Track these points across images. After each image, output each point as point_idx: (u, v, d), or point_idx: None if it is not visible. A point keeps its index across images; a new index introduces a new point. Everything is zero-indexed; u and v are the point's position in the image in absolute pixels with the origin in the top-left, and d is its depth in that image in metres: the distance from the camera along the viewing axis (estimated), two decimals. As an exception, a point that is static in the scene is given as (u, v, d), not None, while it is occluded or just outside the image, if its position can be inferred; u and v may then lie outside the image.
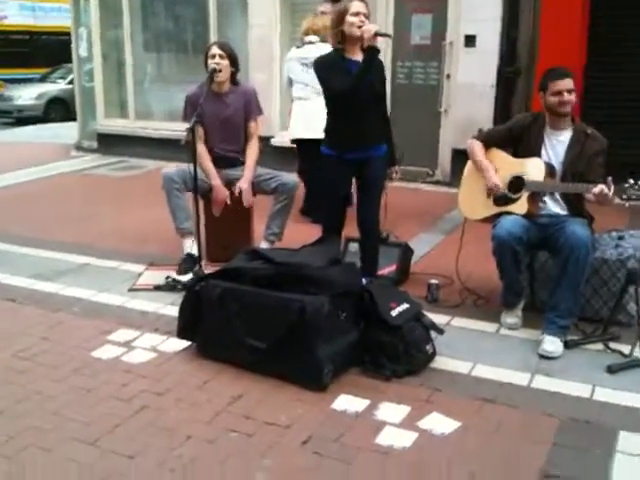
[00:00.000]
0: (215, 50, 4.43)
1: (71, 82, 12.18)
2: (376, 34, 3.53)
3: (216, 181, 4.45)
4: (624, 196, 3.17)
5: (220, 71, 4.40)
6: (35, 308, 3.89)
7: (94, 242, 5.17)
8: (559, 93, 3.42)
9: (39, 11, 19.00)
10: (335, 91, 3.65)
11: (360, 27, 3.56)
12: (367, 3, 3.68)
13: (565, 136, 3.52)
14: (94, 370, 3.14)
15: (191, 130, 4.03)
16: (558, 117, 3.50)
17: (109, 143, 9.17)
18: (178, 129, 7.97)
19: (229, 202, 4.44)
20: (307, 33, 5.53)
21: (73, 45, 10.03)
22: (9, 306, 3.94)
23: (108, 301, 4.00)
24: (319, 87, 3.89)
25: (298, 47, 5.63)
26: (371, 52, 3.56)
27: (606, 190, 3.17)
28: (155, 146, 8.65)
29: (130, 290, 4.16)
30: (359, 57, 3.66)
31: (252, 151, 4.61)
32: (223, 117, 4.52)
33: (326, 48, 4.39)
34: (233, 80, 4.57)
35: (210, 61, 4.41)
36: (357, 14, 3.58)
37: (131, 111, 9.27)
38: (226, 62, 4.44)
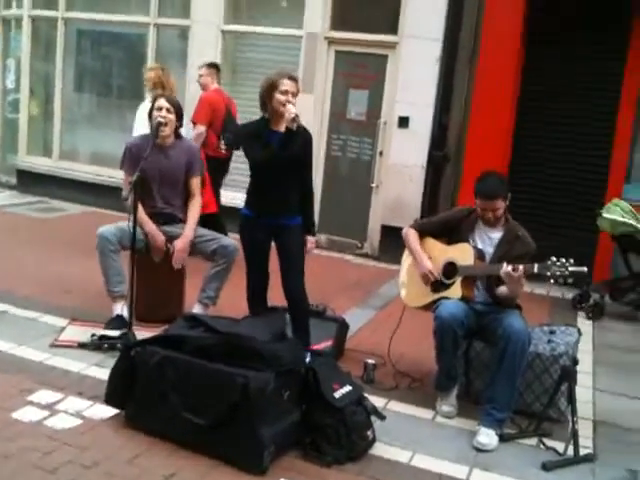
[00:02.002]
0: (162, 103, 4.37)
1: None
2: (293, 120, 3.61)
3: (150, 226, 4.33)
4: (548, 273, 3.27)
5: (166, 125, 4.33)
6: (-55, 359, 3.60)
7: (12, 288, 4.86)
8: (484, 210, 3.57)
9: None
10: (254, 159, 3.76)
11: (284, 105, 3.65)
12: (297, 81, 3.78)
13: (496, 234, 3.65)
14: (14, 433, 2.91)
15: (135, 184, 3.92)
16: (483, 218, 3.64)
17: (29, 181, 8.79)
18: (104, 174, 7.85)
19: (169, 246, 4.33)
20: (165, 88, 5.81)
21: (-1, 75, 9.67)
22: None
23: (28, 356, 3.75)
24: None
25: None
26: (293, 132, 3.64)
27: (518, 271, 3.28)
28: (78, 189, 8.36)
29: (52, 346, 3.91)
30: (282, 129, 3.73)
31: (194, 209, 4.52)
32: (164, 171, 4.43)
33: None
34: (176, 134, 4.51)
35: (156, 113, 4.34)
36: (285, 92, 3.67)
37: (55, 150, 8.95)
38: (172, 116, 4.39)
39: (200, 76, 6.47)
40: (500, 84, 6.79)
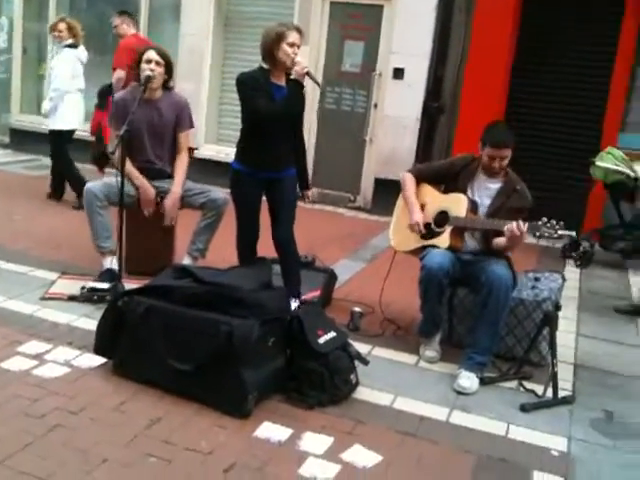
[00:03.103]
0: (152, 55, 4.28)
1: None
2: (307, 74, 3.62)
3: (141, 180, 4.33)
4: (537, 233, 3.30)
5: (154, 78, 4.28)
6: (-63, 311, 3.65)
7: (4, 243, 4.91)
8: (491, 158, 3.55)
9: None
10: (259, 112, 3.64)
11: (292, 58, 3.61)
12: (303, 33, 3.73)
13: (495, 185, 3.65)
14: (3, 382, 2.96)
15: (121, 139, 3.91)
16: (489, 170, 3.63)
17: (22, 139, 8.77)
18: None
19: (158, 200, 4.34)
20: (76, 35, 6.32)
21: (-9, 34, 9.56)
22: None
23: (18, 309, 3.80)
24: None
25: (74, 47, 6.31)
26: (297, 85, 3.65)
27: (522, 226, 3.29)
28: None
29: (42, 299, 3.96)
30: (283, 82, 3.73)
31: (182, 165, 4.51)
32: (153, 125, 4.39)
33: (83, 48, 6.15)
34: (165, 87, 4.46)
35: (145, 66, 4.25)
36: (292, 45, 3.62)
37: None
38: (161, 69, 4.33)
39: (115, 27, 6.65)
40: (497, 35, 6.71)
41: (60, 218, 5.65)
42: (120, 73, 6.36)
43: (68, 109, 6.28)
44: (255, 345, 2.90)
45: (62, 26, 6.29)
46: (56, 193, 6.57)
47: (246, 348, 2.87)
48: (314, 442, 2.74)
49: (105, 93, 6.66)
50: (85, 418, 2.76)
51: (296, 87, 3.68)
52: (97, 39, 8.91)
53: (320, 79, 7.42)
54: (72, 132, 6.43)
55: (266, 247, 4.03)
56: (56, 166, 6.55)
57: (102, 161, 6.63)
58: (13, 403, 2.81)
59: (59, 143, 6.36)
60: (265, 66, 3.74)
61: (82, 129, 6.77)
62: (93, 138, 6.74)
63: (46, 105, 6.34)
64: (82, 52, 6.45)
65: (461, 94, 6.98)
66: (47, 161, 7.71)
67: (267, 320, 2.98)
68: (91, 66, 8.65)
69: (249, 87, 3.69)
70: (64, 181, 6.54)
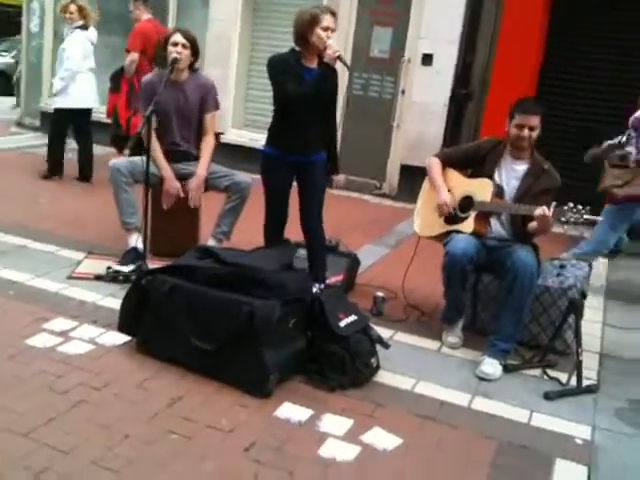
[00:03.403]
0: (178, 38, 4.29)
1: (15, 56, 11.73)
2: (338, 57, 3.59)
3: (167, 172, 4.35)
4: (562, 218, 3.25)
5: (181, 60, 4.29)
6: (-34, 288, 3.72)
7: (31, 224, 4.97)
8: (520, 127, 3.50)
9: None
10: (288, 96, 3.63)
11: (326, 42, 3.58)
12: (337, 17, 3.67)
13: (522, 167, 3.60)
14: (29, 358, 3.01)
15: (147, 119, 3.93)
16: (517, 148, 3.58)
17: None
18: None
19: (181, 195, 4.36)
20: (86, 17, 6.47)
21: (24, 19, 9.65)
22: (-62, 284, 3.75)
23: (45, 287, 3.85)
24: None
25: (84, 28, 6.45)
26: (328, 68, 3.64)
27: (547, 212, 3.25)
28: (99, 129, 8.35)
29: (69, 278, 4.01)
30: (314, 65, 3.71)
31: (207, 147, 4.51)
32: (179, 107, 4.41)
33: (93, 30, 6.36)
34: (191, 68, 4.46)
35: (172, 48, 4.26)
36: (326, 29, 3.57)
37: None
38: (188, 52, 4.34)
39: (130, 12, 6.77)
40: (528, 20, 6.60)
41: (86, 200, 5.72)
42: (133, 56, 6.48)
43: (80, 88, 6.42)
44: (276, 326, 2.91)
45: (73, 8, 6.40)
46: (82, 174, 6.69)
47: (267, 328, 2.88)
48: (334, 423, 2.74)
49: (118, 76, 6.77)
50: (108, 394, 2.80)
51: (327, 70, 3.65)
52: (121, 23, 8.96)
53: (348, 64, 7.38)
54: (89, 110, 6.63)
55: (294, 231, 4.02)
56: (83, 147, 6.68)
57: (120, 143, 6.67)
58: (38, 378, 2.85)
59: (64, 121, 6.51)
60: (297, 48, 3.70)
61: (98, 110, 6.98)
62: (109, 120, 6.83)
63: (57, 84, 6.42)
64: (92, 33, 6.56)
65: (490, 81, 6.89)
66: (75, 144, 7.82)
67: (288, 301, 2.99)
68: (114, 49, 8.79)
69: (279, 70, 3.66)
70: (91, 162, 6.66)
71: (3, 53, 15.56)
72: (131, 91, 6.60)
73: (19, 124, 9.48)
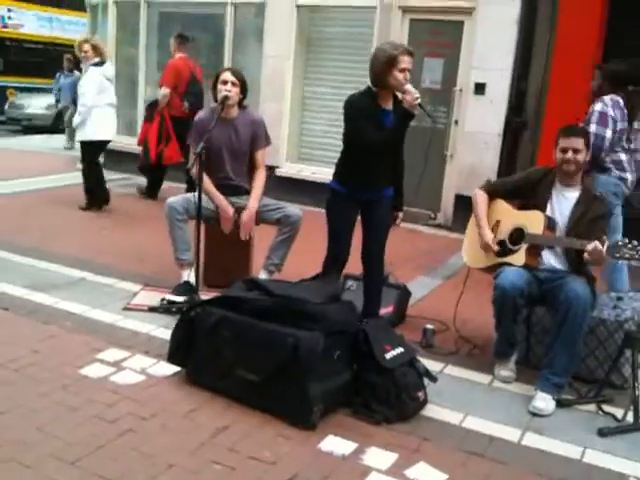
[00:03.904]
0: (228, 76, 4.43)
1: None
2: (419, 105, 3.49)
3: (220, 201, 4.45)
4: (617, 254, 3.16)
5: (231, 98, 4.41)
6: (27, 319, 3.87)
7: (92, 257, 5.15)
8: (564, 150, 3.45)
9: (55, 22, 19.14)
10: (367, 143, 3.56)
11: (403, 84, 3.48)
12: (414, 56, 3.56)
13: (573, 194, 3.53)
14: (81, 388, 3.10)
15: (198, 156, 4.05)
16: (565, 174, 3.52)
17: (116, 159, 9.19)
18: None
19: (236, 217, 4.45)
20: (102, 54, 6.79)
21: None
22: (1, 315, 3.91)
23: (101, 318, 3.97)
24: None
25: (99, 65, 6.73)
26: (407, 115, 3.51)
27: (599, 247, 3.17)
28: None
29: (124, 309, 4.13)
30: (390, 105, 3.63)
31: (259, 181, 4.61)
32: (230, 143, 4.53)
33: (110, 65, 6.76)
34: (240, 105, 4.58)
35: (221, 87, 4.41)
36: (404, 70, 3.48)
37: (139, 129, 9.30)
38: (237, 89, 4.46)
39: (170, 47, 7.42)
40: (582, 47, 6.49)
41: (145, 233, 5.88)
42: (165, 91, 7.03)
43: (97, 122, 6.67)
44: (321, 357, 2.91)
45: (87, 47, 6.72)
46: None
47: (312, 360, 2.88)
48: (378, 457, 2.71)
49: (152, 107, 7.30)
50: (155, 424, 2.84)
51: (405, 117, 3.52)
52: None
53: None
54: (105, 142, 6.94)
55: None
56: (89, 178, 6.97)
57: (146, 171, 7.46)
58: (89, 407, 2.93)
59: (89, 153, 6.83)
60: (373, 89, 3.61)
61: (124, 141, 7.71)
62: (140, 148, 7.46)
63: (76, 119, 6.79)
64: (108, 69, 6.82)
65: (545, 109, 6.80)
66: (137, 180, 8.12)
67: (333, 332, 2.98)
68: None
69: (357, 114, 3.59)
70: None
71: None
72: (162, 123, 7.15)
73: (85, 160, 9.85)
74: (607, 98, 4.45)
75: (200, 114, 4.65)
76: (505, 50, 6.84)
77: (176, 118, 7.15)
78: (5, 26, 17.51)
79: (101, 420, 2.83)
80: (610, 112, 4.37)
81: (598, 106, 4.42)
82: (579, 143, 3.45)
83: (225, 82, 4.42)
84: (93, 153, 6.88)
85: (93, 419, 2.84)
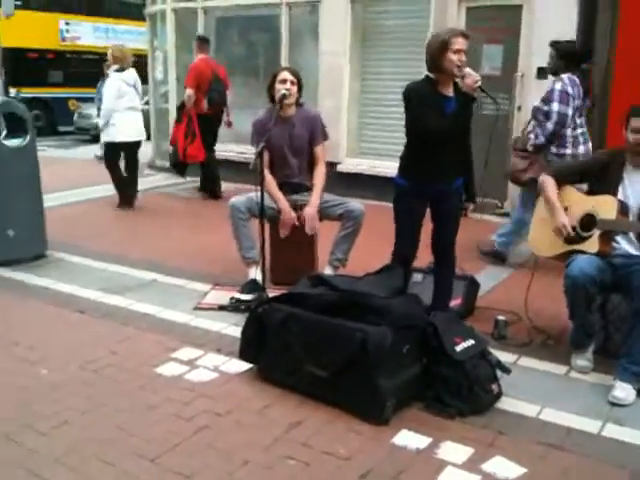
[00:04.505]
0: (287, 75, 4.49)
1: (147, 103, 12.54)
2: (480, 88, 3.40)
3: (283, 204, 4.49)
4: None
5: (290, 96, 4.45)
6: (103, 321, 4.00)
7: (163, 259, 5.28)
8: (637, 131, 3.32)
9: (111, 33, 19.68)
10: (429, 131, 3.47)
11: (459, 67, 3.38)
12: (469, 38, 3.44)
13: None
14: (157, 386, 3.19)
15: (259, 155, 4.09)
16: (638, 155, 3.39)
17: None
18: (245, 152, 8.23)
19: (297, 224, 4.47)
20: (124, 61, 7.10)
21: (149, 67, 10.36)
22: (78, 318, 4.06)
23: (174, 318, 4.06)
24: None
25: (119, 71, 7.07)
26: (467, 97, 3.45)
27: None
28: (225, 168, 8.81)
29: (195, 309, 4.21)
30: (450, 92, 3.51)
31: (319, 176, 4.62)
32: (290, 141, 4.57)
33: (134, 71, 7.06)
34: (297, 103, 4.62)
35: (280, 86, 4.45)
36: (458, 52, 3.37)
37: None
38: (295, 88, 4.51)
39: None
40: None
41: (212, 234, 5.98)
42: (189, 92, 7.45)
43: (118, 125, 7.00)
44: (389, 352, 2.89)
45: (108, 54, 7.14)
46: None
47: (380, 355, 2.87)
48: (453, 452, 2.68)
49: (180, 109, 7.75)
50: (230, 421, 2.89)
51: (467, 101, 3.46)
52: (245, 64, 9.42)
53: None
54: (127, 144, 7.15)
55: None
56: (130, 177, 7.40)
57: (178, 168, 7.89)
58: (166, 405, 3.01)
59: (109, 153, 7.22)
60: (431, 76, 3.52)
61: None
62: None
63: (100, 122, 7.27)
64: (128, 75, 7.10)
65: (611, 89, 6.56)
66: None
67: (400, 327, 2.96)
68: (241, 88, 9.24)
69: (417, 102, 3.49)
70: (135, 190, 7.42)
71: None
72: (189, 123, 7.55)
73: (151, 166, 10.13)
74: (565, 77, 4.79)
75: (258, 115, 4.70)
76: (566, 32, 6.61)
77: (202, 116, 7.62)
78: (64, 39, 18.12)
79: (178, 418, 2.90)
80: (569, 90, 4.74)
81: (558, 85, 4.76)
82: None
83: (284, 81, 4.46)
84: (114, 154, 7.22)
85: (170, 417, 2.91)
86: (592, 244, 3.44)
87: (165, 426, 2.82)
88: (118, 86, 7.00)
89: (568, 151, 4.88)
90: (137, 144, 7.28)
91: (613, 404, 3.06)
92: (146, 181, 8.95)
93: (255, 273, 4.41)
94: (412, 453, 2.67)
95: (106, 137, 7.17)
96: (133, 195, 7.39)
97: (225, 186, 8.02)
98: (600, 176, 3.51)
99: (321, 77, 8.18)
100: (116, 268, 5.05)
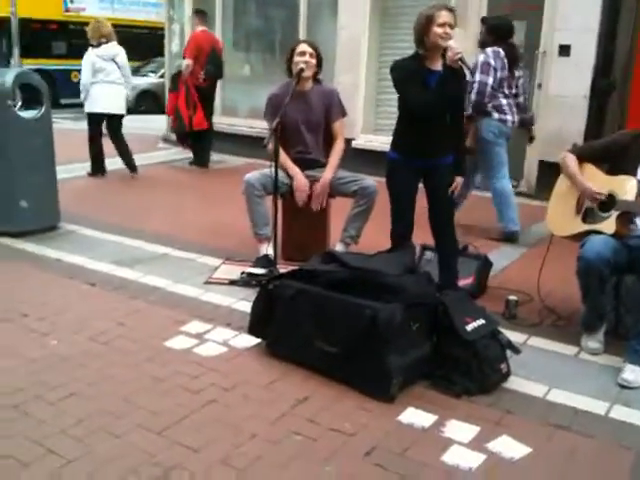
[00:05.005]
0: (305, 48, 4.42)
1: (162, 76, 12.51)
2: (460, 60, 3.46)
3: (295, 171, 4.48)
4: None
5: (308, 69, 4.40)
6: (114, 294, 4.01)
7: (174, 233, 5.29)
8: None
9: (117, 4, 19.52)
10: (411, 105, 3.61)
11: (444, 39, 3.46)
12: (454, 12, 3.54)
13: None
14: (166, 360, 3.20)
15: (274, 131, 4.06)
16: None
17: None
18: (260, 127, 8.20)
19: (309, 192, 4.46)
20: (102, 36, 7.23)
21: (166, 40, 10.31)
22: (89, 290, 4.08)
23: (184, 292, 4.07)
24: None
25: (96, 46, 7.23)
26: (452, 71, 3.49)
27: None
28: (239, 143, 8.79)
29: (206, 283, 4.22)
30: (438, 66, 3.58)
31: (336, 152, 4.59)
32: (305, 116, 4.53)
33: (114, 45, 7.19)
34: (315, 79, 4.56)
35: (299, 58, 4.39)
36: (443, 25, 3.46)
37: (217, 107, 9.44)
38: (314, 61, 4.45)
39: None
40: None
41: (225, 210, 5.98)
42: (188, 61, 7.65)
43: (94, 97, 7.25)
44: (399, 329, 2.88)
45: (87, 30, 7.37)
46: (130, 167, 7.63)
47: (390, 332, 2.86)
48: (459, 430, 2.67)
49: (175, 78, 7.90)
50: (238, 395, 2.90)
51: (451, 73, 3.52)
52: (263, 39, 9.34)
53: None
54: (107, 115, 7.36)
55: (423, 237, 3.97)
56: (118, 148, 7.57)
57: (183, 138, 8.01)
58: (174, 379, 3.02)
59: (91, 124, 7.42)
60: (420, 51, 3.62)
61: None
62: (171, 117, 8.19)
63: (81, 96, 7.41)
64: (104, 50, 7.23)
65: (634, 69, 6.43)
66: (215, 157, 8.27)
67: (410, 305, 2.95)
68: (258, 63, 9.18)
69: (401, 78, 3.64)
70: (130, 157, 7.57)
71: (150, 74, 16.66)
72: (187, 92, 7.74)
73: (165, 140, 10.12)
74: (489, 50, 5.16)
75: (273, 89, 4.65)
76: (590, 10, 6.51)
77: (198, 87, 7.82)
78: (67, 10, 17.92)
79: (185, 391, 2.91)
80: (492, 62, 5.11)
81: (481, 57, 5.15)
82: None
83: (303, 53, 4.40)
84: (95, 124, 7.41)
85: (178, 389, 2.92)
86: (609, 225, 3.39)
87: (173, 399, 2.84)
88: (92, 61, 7.21)
89: (509, 117, 5.31)
90: (116, 117, 7.45)
91: (622, 386, 3.04)
92: (159, 155, 8.95)
93: (267, 249, 4.39)
94: (418, 431, 2.67)
95: (88, 108, 7.39)
96: (130, 162, 7.58)
97: (238, 161, 8.00)
98: (620, 157, 3.45)
99: (339, 53, 8.10)
100: (128, 241, 5.06)
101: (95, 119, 7.37)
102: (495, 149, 5.33)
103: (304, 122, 4.53)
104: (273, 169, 4.13)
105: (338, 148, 4.62)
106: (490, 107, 5.22)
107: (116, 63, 7.30)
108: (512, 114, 5.34)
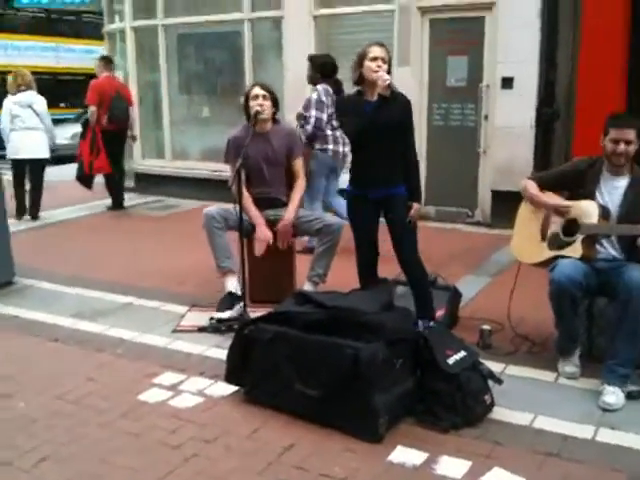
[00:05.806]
0: (258, 91, 4.45)
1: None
2: (388, 86, 3.63)
3: (258, 220, 4.43)
4: None
5: (263, 112, 4.40)
6: (79, 349, 3.87)
7: (135, 281, 5.15)
8: (616, 142, 3.35)
9: (62, 52, 19.61)
10: (346, 128, 3.85)
11: (376, 72, 3.63)
12: (387, 48, 3.76)
13: (622, 182, 3.43)
14: (141, 414, 3.07)
15: (237, 173, 4.03)
16: (614, 165, 3.42)
17: (146, 182, 9.26)
18: (215, 169, 8.16)
19: (271, 242, 4.41)
20: (20, 85, 7.51)
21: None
22: (53, 346, 3.92)
23: (152, 342, 3.95)
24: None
25: (13, 94, 7.50)
26: (387, 98, 3.66)
27: None
28: (191, 186, 8.70)
29: (174, 331, 4.10)
30: (375, 97, 3.73)
31: (297, 191, 4.58)
32: (266, 155, 4.52)
33: (32, 93, 7.45)
34: (273, 119, 4.58)
35: (253, 102, 4.41)
36: (375, 59, 3.66)
37: (167, 151, 9.36)
38: (269, 103, 4.46)
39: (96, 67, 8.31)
40: (610, 30, 6.35)
41: (186, 254, 5.86)
42: (92, 108, 7.82)
43: (12, 143, 7.53)
44: (382, 367, 2.84)
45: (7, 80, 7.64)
46: (30, 212, 7.73)
47: (373, 371, 2.81)
48: (451, 466, 2.63)
49: (85, 125, 8.05)
50: (220, 447, 2.80)
51: (384, 101, 3.67)
52: (206, 83, 9.34)
53: (426, 97, 7.37)
54: (28, 160, 7.57)
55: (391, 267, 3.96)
56: (32, 189, 7.76)
57: (84, 182, 8.06)
58: (152, 433, 2.90)
59: (13, 168, 7.68)
60: (359, 87, 3.82)
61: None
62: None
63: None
64: (21, 97, 7.47)
65: (575, 98, 6.66)
66: (170, 201, 8.16)
67: (392, 341, 2.92)
68: (206, 106, 9.16)
69: (342, 110, 3.96)
70: (37, 203, 7.75)
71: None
72: (94, 138, 7.85)
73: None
74: (320, 87, 5.69)
75: (233, 132, 4.63)
76: (530, 42, 6.73)
77: (105, 132, 7.89)
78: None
79: (165, 446, 2.80)
80: (324, 99, 5.62)
81: (315, 94, 5.69)
82: (631, 134, 3.33)
83: (256, 97, 4.42)
84: (16, 171, 7.64)
85: (157, 445, 2.80)
86: (575, 249, 3.44)
87: (152, 456, 2.72)
88: (10, 108, 7.44)
89: (330, 146, 5.82)
90: (38, 161, 7.58)
91: (604, 409, 3.06)
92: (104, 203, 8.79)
93: (233, 285, 4.32)
94: (410, 470, 2.61)
95: (7, 155, 7.64)
96: (23, 208, 7.68)
97: (193, 204, 7.92)
98: (578, 182, 3.53)
99: (286, 92, 8.13)
100: (88, 292, 4.90)
101: (18, 164, 7.54)
102: (316, 179, 5.77)
103: (265, 161, 4.52)
104: (236, 209, 4.08)
105: (300, 187, 4.62)
106: (327, 140, 5.77)
107: (34, 110, 7.46)
108: (335, 144, 5.83)
